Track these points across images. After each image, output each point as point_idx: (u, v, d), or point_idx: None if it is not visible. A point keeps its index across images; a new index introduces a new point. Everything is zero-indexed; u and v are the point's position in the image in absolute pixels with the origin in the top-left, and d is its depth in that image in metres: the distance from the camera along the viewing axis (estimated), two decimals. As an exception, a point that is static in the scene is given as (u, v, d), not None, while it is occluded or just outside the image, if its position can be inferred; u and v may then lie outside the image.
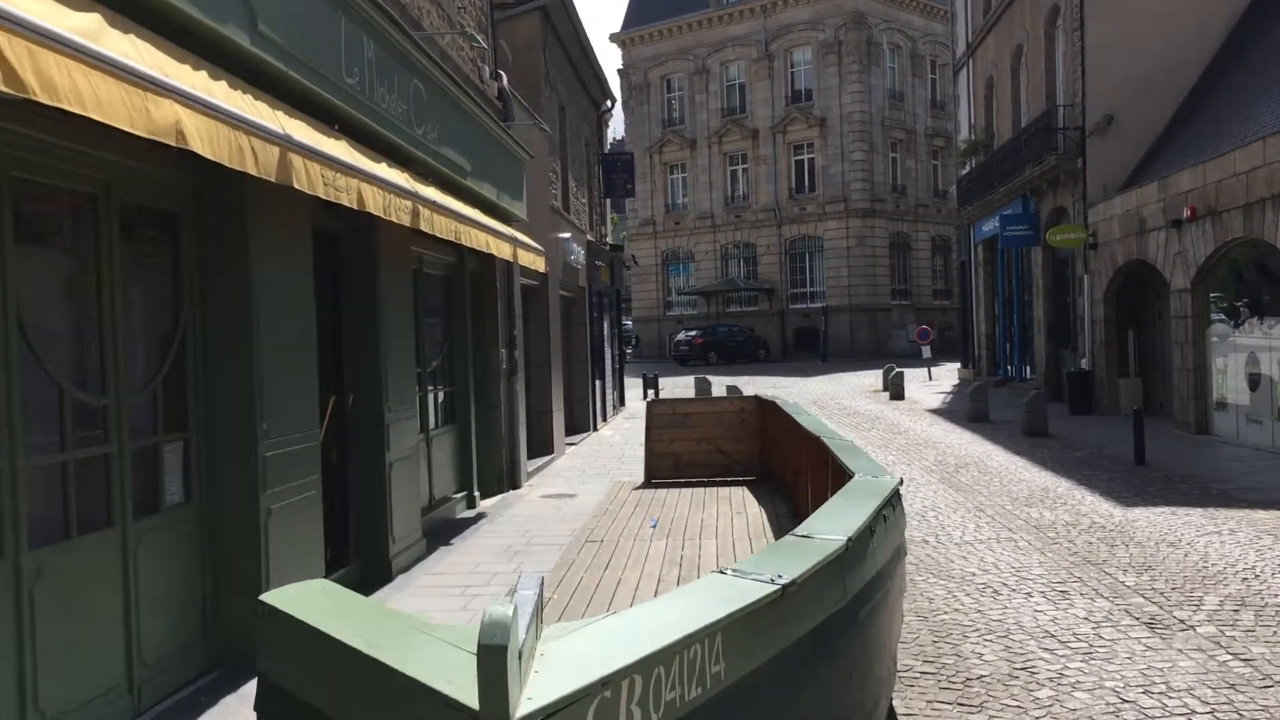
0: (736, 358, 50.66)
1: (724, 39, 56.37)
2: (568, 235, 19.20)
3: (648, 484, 13.95)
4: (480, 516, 12.29)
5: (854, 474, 5.82)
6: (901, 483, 5.74)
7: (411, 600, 8.28)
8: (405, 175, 8.23)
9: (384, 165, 7.78)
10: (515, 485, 14.39)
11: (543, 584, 2.82)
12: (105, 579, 5.58)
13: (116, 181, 5.77)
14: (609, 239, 26.70)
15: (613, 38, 60.28)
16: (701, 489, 13.23)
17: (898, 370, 28.71)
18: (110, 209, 5.74)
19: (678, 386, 32.63)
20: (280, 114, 5.80)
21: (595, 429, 22.07)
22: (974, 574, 8.85)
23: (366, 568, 8.90)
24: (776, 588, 3.25)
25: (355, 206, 6.86)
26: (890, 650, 5.09)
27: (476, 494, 12.93)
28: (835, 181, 52.96)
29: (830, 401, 27.92)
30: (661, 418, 14.29)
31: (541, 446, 17.32)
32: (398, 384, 9.41)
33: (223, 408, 6.62)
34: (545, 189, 17.48)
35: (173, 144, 4.45)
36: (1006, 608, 7.79)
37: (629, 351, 60.79)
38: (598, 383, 23.32)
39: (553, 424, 17.46)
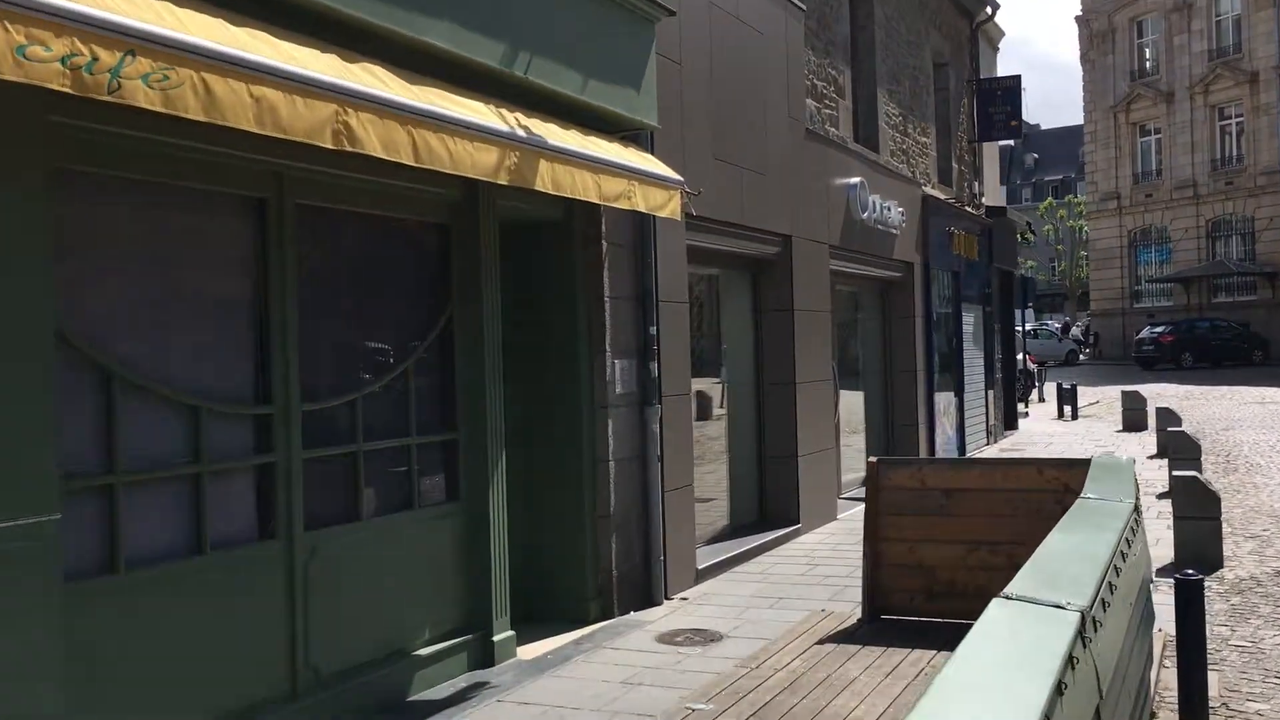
0: (1222, 360, 39.47)
1: (1212, -39, 44.95)
2: (856, 181, 12.40)
3: (869, 620, 7.13)
4: (473, 691, 6.17)
5: None
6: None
7: None
8: None
9: None
10: (650, 601, 8.07)
11: None
12: None
13: None
14: (981, 198, 19.09)
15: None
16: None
17: None
18: None
19: (1117, 402, 23.77)
20: None
21: (933, 471, 14.88)
22: None
23: None
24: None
25: None
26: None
27: (501, 635, 6.73)
28: (1370, 129, 40.03)
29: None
30: (898, 495, 7.28)
31: (779, 514, 10.75)
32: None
33: None
34: (791, 97, 10.86)
35: None
36: None
37: (1085, 352, 50.48)
38: (946, 400, 16.07)
39: (798, 478, 10.78)
